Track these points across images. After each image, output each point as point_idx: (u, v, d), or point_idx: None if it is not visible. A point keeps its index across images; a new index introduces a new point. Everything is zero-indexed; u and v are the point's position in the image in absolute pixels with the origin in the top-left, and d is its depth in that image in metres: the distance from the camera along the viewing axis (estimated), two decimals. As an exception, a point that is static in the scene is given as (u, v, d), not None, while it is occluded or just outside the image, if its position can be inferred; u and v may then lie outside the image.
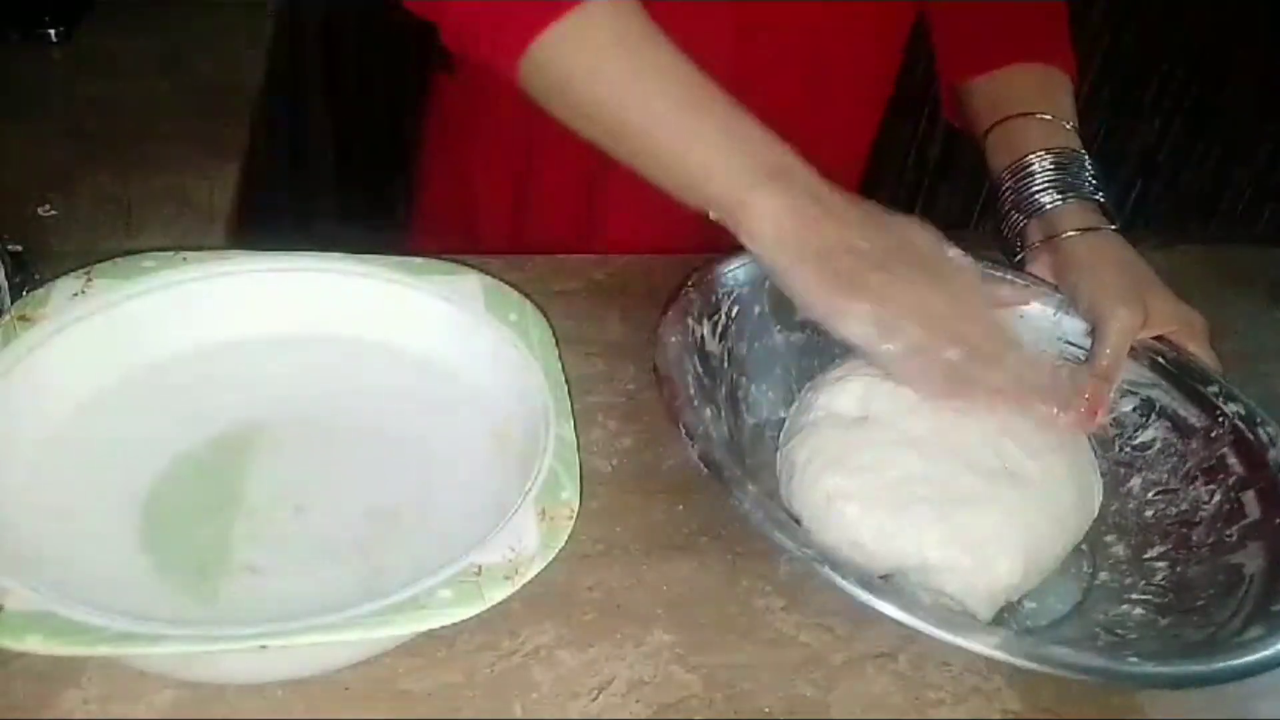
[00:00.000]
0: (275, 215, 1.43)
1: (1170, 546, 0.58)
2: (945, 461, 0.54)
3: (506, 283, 0.59)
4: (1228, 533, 0.56)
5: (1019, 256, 0.70)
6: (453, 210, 0.91)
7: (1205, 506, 0.58)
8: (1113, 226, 0.67)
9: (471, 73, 0.84)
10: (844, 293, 0.56)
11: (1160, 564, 0.57)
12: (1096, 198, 0.68)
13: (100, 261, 0.56)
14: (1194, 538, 0.57)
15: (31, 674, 0.45)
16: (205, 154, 0.81)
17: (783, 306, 0.62)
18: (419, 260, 0.59)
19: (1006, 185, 0.71)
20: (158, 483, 0.51)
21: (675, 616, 0.52)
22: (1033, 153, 0.69)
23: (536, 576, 0.44)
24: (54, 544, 0.47)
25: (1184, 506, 0.59)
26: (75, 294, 0.54)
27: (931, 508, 0.53)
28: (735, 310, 0.63)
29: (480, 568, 0.43)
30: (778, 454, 0.59)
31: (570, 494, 0.47)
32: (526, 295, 0.59)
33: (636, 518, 0.56)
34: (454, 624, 0.42)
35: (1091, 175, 0.69)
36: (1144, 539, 0.59)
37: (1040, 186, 0.69)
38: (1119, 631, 0.54)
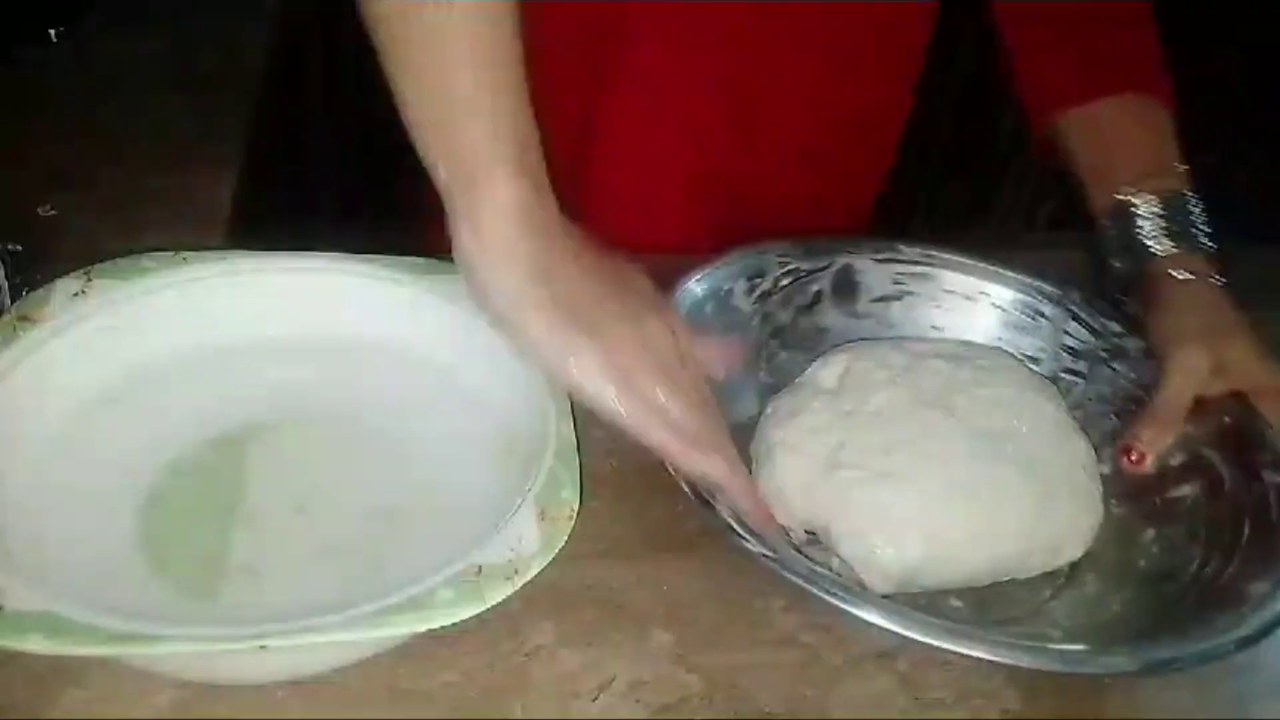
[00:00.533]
0: (275, 215, 1.43)
1: (1139, 594, 0.56)
2: (892, 440, 0.56)
3: (506, 283, 0.59)
4: (1195, 592, 0.54)
5: (1119, 300, 0.67)
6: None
7: (1193, 565, 0.55)
8: (1214, 278, 0.64)
9: None
10: (578, 337, 0.50)
11: (1115, 607, 0.55)
12: (1201, 244, 0.65)
13: (100, 261, 0.56)
14: (1165, 590, 0.55)
15: (31, 674, 0.45)
16: (205, 154, 0.81)
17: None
18: (419, 260, 0.59)
19: (1109, 230, 0.68)
20: (158, 483, 0.51)
21: (675, 616, 0.52)
22: (1136, 194, 0.66)
23: (536, 576, 0.44)
24: (54, 544, 0.47)
25: (1176, 561, 0.56)
26: (75, 294, 0.54)
27: (855, 477, 0.55)
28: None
29: (480, 568, 0.43)
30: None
31: (570, 494, 0.47)
32: (526, 295, 0.59)
33: (636, 518, 0.56)
34: (454, 624, 0.42)
35: (1199, 219, 0.66)
36: (1118, 584, 0.57)
37: (1145, 232, 0.66)
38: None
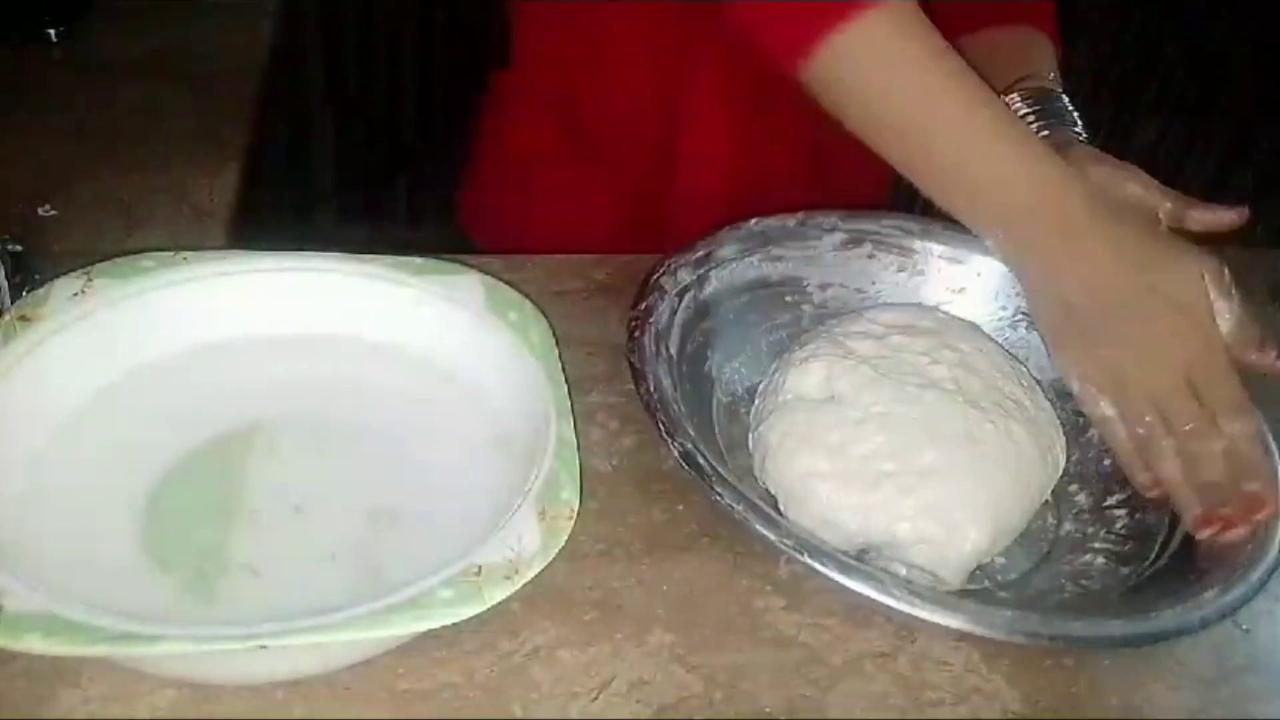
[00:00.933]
0: (275, 215, 1.43)
1: (1130, 494, 0.59)
2: (910, 435, 0.56)
3: (506, 283, 0.59)
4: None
5: None
6: (507, 203, 0.91)
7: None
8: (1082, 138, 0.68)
9: (530, 68, 0.84)
10: (1077, 347, 0.58)
11: (1120, 511, 0.60)
12: (1073, 130, 0.68)
13: (100, 261, 0.56)
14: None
15: (31, 674, 0.45)
16: (205, 154, 0.81)
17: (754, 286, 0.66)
18: (419, 260, 0.59)
19: None
20: (158, 483, 0.51)
21: (675, 616, 0.52)
22: (1006, 95, 0.69)
23: (536, 576, 0.44)
24: (54, 544, 0.47)
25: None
26: (75, 294, 0.54)
27: (900, 483, 0.54)
28: (707, 288, 0.64)
29: (480, 568, 0.43)
30: (750, 434, 0.60)
31: (570, 494, 0.47)
32: (526, 295, 0.59)
33: (636, 518, 0.56)
34: (454, 624, 0.42)
35: (1068, 111, 0.69)
36: (1104, 486, 0.61)
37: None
38: (1083, 582, 0.57)
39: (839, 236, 0.69)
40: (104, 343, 0.54)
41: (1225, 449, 0.56)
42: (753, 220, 0.67)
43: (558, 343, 0.56)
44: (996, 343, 0.63)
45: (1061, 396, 0.63)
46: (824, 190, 0.70)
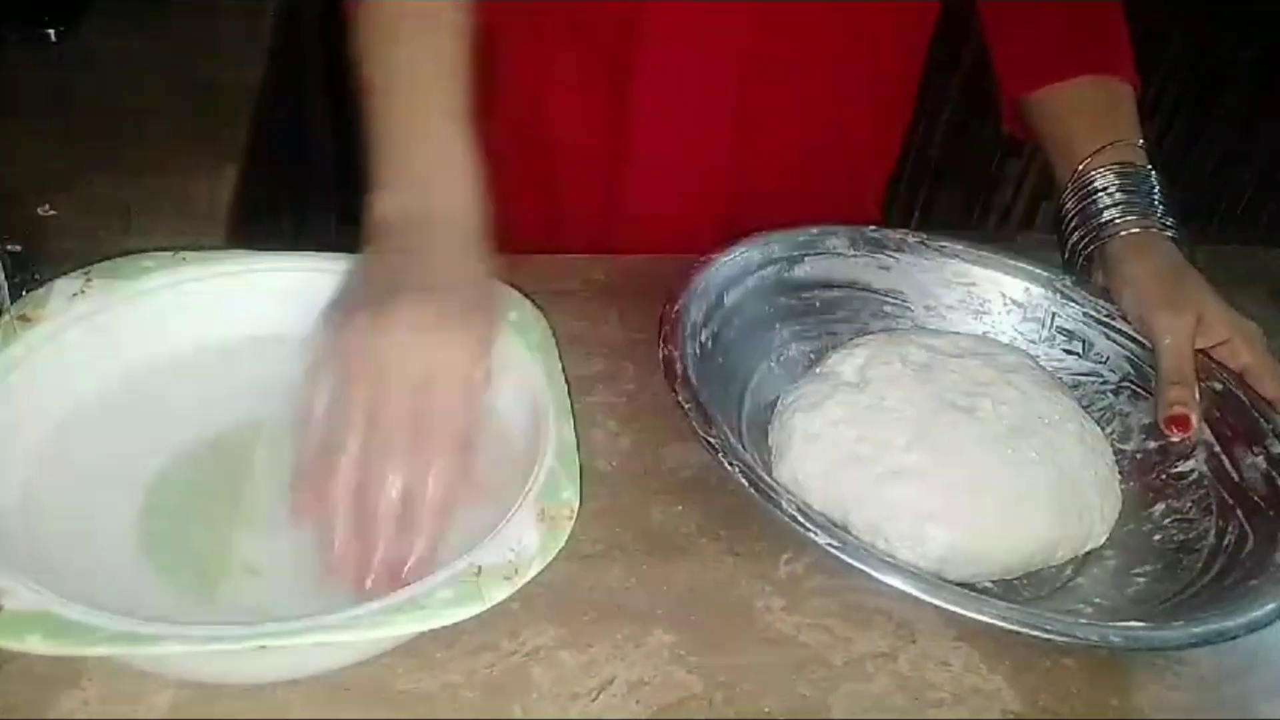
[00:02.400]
0: (275, 215, 1.43)
1: (1160, 566, 0.57)
2: (912, 437, 0.56)
3: (506, 283, 0.59)
4: (1216, 564, 0.55)
5: (1078, 274, 0.70)
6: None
7: (1209, 538, 0.57)
8: (1169, 239, 0.67)
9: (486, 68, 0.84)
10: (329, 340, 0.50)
11: (1140, 579, 0.57)
12: (1155, 213, 0.67)
13: (100, 261, 0.56)
14: (1186, 562, 0.56)
15: (31, 674, 0.45)
16: (205, 154, 0.81)
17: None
18: (419, 260, 0.59)
19: (1069, 204, 0.70)
20: (157, 483, 0.51)
21: (675, 616, 0.52)
22: (1096, 169, 0.69)
23: (536, 577, 0.44)
24: (54, 544, 0.47)
25: (1190, 535, 0.58)
26: (75, 294, 0.54)
27: (874, 472, 0.55)
28: (736, 300, 0.64)
29: (480, 568, 0.43)
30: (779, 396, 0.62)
31: (570, 494, 0.47)
32: (526, 295, 0.59)
33: (636, 518, 0.56)
34: (454, 624, 0.42)
35: (1156, 191, 0.68)
36: (1139, 558, 0.58)
37: (1103, 204, 0.68)
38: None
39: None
40: (104, 343, 0.54)
41: None
42: (869, 227, 0.68)
43: (558, 343, 0.56)
44: (1077, 404, 0.62)
45: (1142, 468, 0.62)
46: (806, 211, 0.70)
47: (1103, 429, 0.62)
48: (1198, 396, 0.61)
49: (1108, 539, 0.58)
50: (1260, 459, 0.58)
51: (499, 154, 0.84)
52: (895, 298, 0.69)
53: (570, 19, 0.75)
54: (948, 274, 0.69)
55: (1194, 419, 0.60)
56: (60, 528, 0.48)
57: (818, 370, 0.62)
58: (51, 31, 0.94)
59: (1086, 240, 0.69)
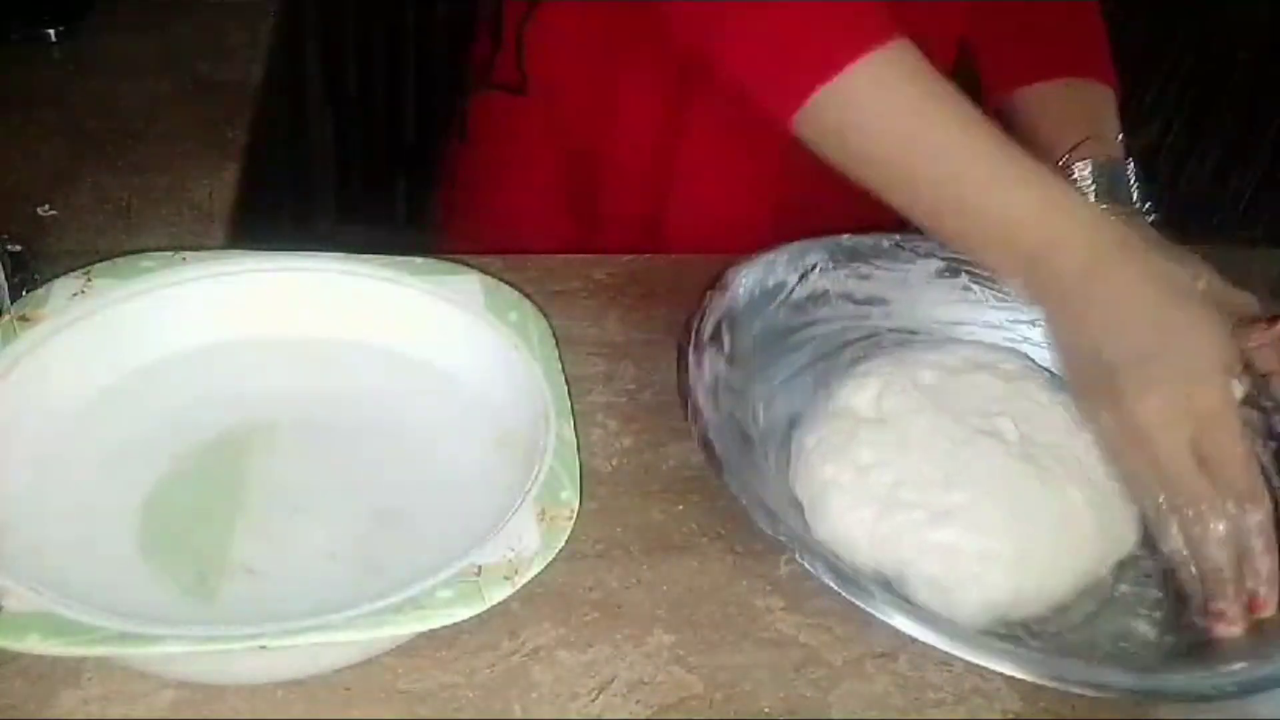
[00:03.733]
0: (275, 215, 1.43)
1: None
2: (944, 472, 0.54)
3: (506, 283, 0.59)
4: None
5: None
6: (499, 220, 0.90)
7: None
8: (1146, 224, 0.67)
9: (539, 93, 0.84)
10: (1093, 397, 0.55)
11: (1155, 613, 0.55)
12: (1133, 204, 0.67)
13: (99, 261, 0.56)
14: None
15: (31, 674, 0.45)
16: (205, 154, 0.81)
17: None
18: (419, 260, 0.59)
19: None
20: (157, 483, 0.51)
21: (675, 616, 0.52)
22: (1071, 163, 0.68)
23: (536, 576, 0.44)
24: (54, 544, 0.47)
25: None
26: (75, 294, 0.54)
27: (914, 516, 0.53)
28: (754, 316, 0.64)
29: (480, 568, 0.43)
30: (792, 436, 0.59)
31: (570, 494, 0.47)
32: (526, 295, 0.59)
33: (636, 518, 0.56)
34: (454, 624, 0.42)
35: (1132, 182, 0.68)
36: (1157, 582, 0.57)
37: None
38: (1121, 644, 0.54)
39: (935, 264, 0.69)
40: (104, 343, 0.54)
41: (1229, 534, 0.52)
42: (844, 236, 0.68)
43: (558, 343, 0.56)
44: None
45: None
46: (848, 219, 0.70)
47: None
48: None
49: (1142, 542, 0.57)
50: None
51: (548, 152, 0.85)
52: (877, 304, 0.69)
53: (638, 24, 0.75)
54: (930, 272, 0.69)
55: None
56: (60, 528, 0.48)
57: (830, 406, 0.59)
58: (51, 31, 0.94)
59: None
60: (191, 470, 0.52)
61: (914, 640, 0.51)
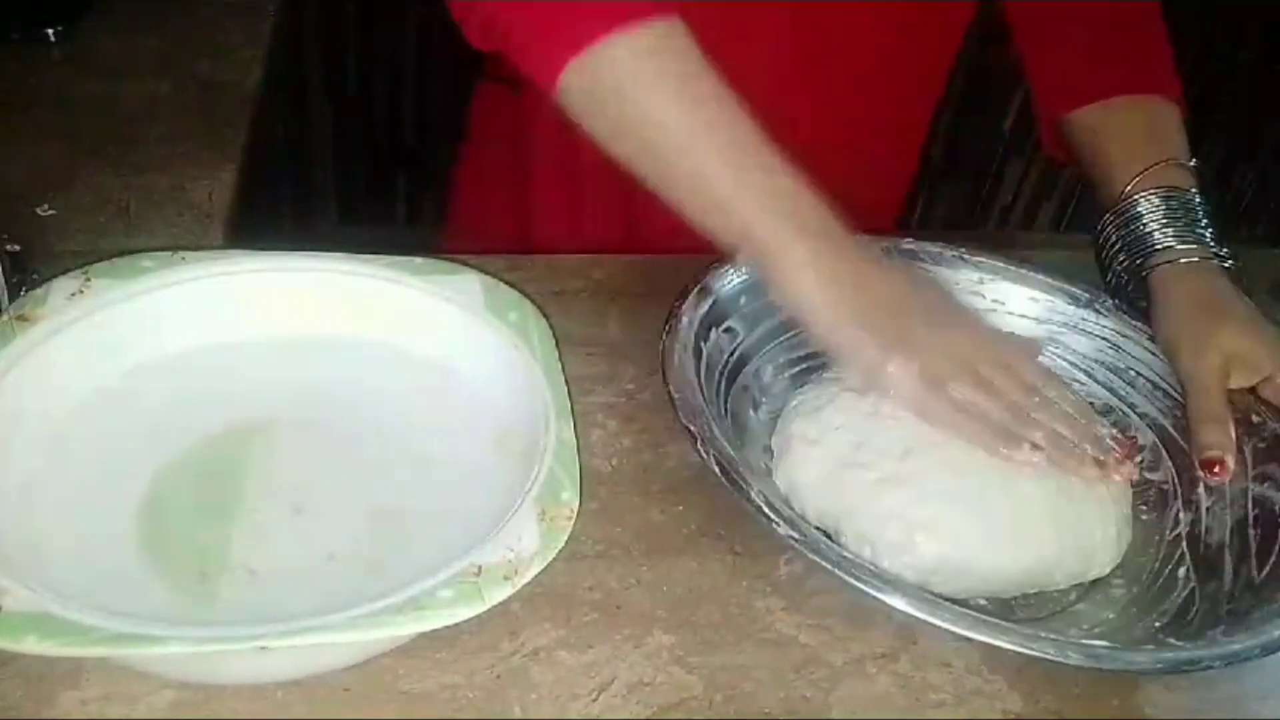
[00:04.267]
0: (275, 215, 1.43)
1: (1178, 601, 0.55)
2: (910, 445, 0.56)
3: (506, 283, 0.59)
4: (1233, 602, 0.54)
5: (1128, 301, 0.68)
6: (501, 211, 0.90)
7: (1226, 575, 0.56)
8: (1218, 266, 0.64)
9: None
10: (887, 352, 0.56)
11: (1149, 615, 0.55)
12: (1203, 238, 0.65)
13: (99, 261, 0.56)
14: (1199, 598, 0.55)
15: (30, 674, 0.45)
16: (205, 154, 0.81)
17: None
18: (419, 260, 0.59)
19: (1110, 230, 0.68)
20: (157, 483, 0.51)
21: (675, 617, 0.52)
22: (1140, 194, 0.66)
23: (536, 577, 0.44)
24: (53, 544, 0.47)
25: (1213, 572, 0.56)
26: (74, 294, 0.54)
27: (867, 477, 0.55)
28: (745, 307, 0.64)
29: (480, 568, 0.43)
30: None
31: (570, 494, 0.47)
32: (526, 295, 0.59)
33: (636, 518, 0.56)
34: (454, 624, 0.42)
35: (1202, 215, 0.66)
36: (1151, 592, 0.56)
37: (1145, 229, 0.66)
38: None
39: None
40: (103, 343, 0.54)
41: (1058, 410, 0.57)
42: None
43: (558, 343, 0.56)
44: (1101, 427, 0.60)
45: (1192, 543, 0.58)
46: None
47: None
48: (1233, 436, 0.59)
49: (1119, 569, 0.57)
50: None
51: (528, 149, 0.85)
52: None
53: None
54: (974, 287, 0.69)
55: (1230, 461, 0.58)
56: (59, 527, 0.48)
57: (825, 375, 0.62)
58: (51, 31, 0.94)
59: (1130, 270, 0.67)
60: (191, 470, 0.52)
61: (915, 641, 0.52)
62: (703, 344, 0.60)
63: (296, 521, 0.51)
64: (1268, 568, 0.54)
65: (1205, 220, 0.66)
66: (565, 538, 0.45)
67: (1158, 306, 0.64)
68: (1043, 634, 0.48)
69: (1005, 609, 0.55)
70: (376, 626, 0.41)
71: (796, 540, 0.49)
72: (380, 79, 2.03)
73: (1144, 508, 0.60)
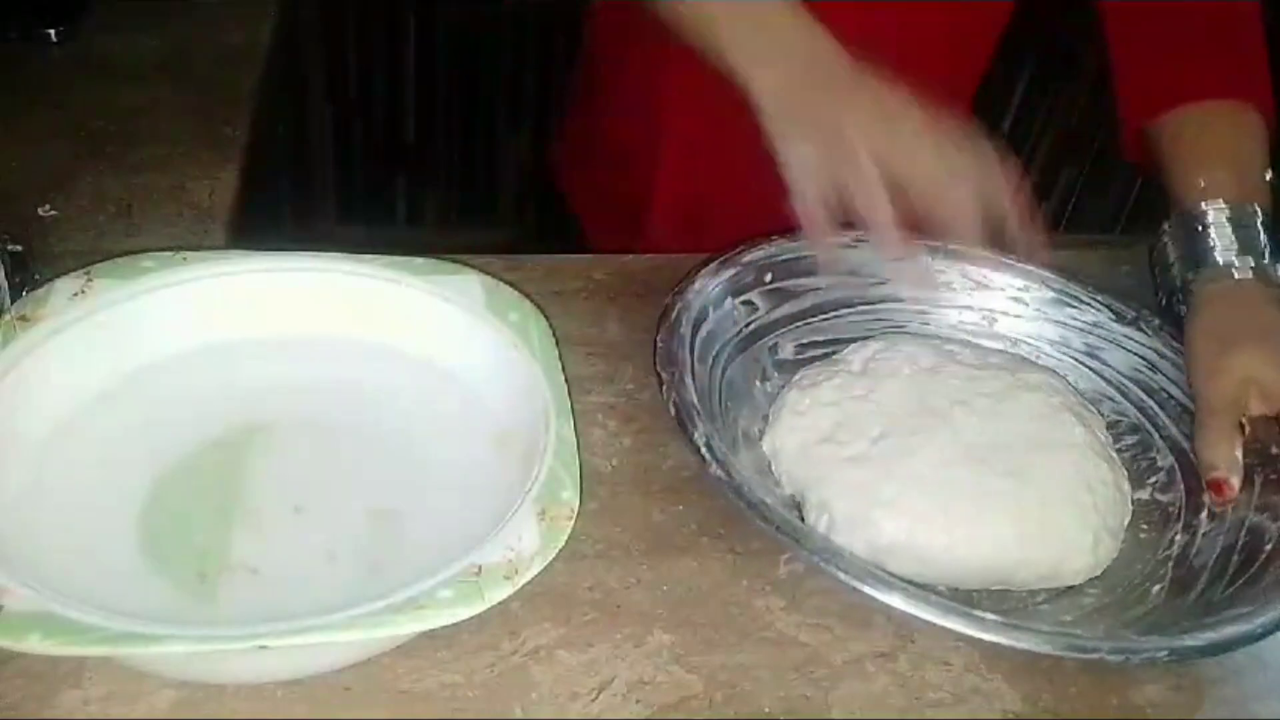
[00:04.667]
0: (275, 215, 1.43)
1: (1140, 612, 0.55)
2: (886, 430, 0.57)
3: (506, 283, 0.59)
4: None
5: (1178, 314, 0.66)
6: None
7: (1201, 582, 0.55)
8: (1268, 287, 0.63)
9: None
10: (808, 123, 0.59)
11: (1110, 615, 0.55)
12: (1260, 258, 0.63)
13: (100, 261, 0.56)
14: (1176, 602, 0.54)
15: (31, 674, 0.45)
16: (205, 154, 0.81)
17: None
18: (419, 260, 0.59)
19: (1166, 235, 0.67)
20: (157, 483, 0.51)
21: (675, 616, 0.52)
22: (1200, 204, 0.65)
23: (536, 576, 0.44)
24: (54, 544, 0.47)
25: (1174, 603, 0.55)
26: (75, 294, 0.54)
27: (840, 453, 0.57)
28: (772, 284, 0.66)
29: (480, 568, 0.43)
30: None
31: (570, 494, 0.47)
32: (526, 295, 0.59)
33: (636, 518, 0.56)
34: (454, 624, 0.42)
35: (1261, 231, 0.64)
36: (1126, 607, 0.55)
37: (1196, 241, 0.64)
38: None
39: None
40: (104, 343, 0.54)
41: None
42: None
43: (558, 343, 0.56)
44: (1099, 432, 0.60)
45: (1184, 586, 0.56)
46: None
47: (1135, 470, 0.61)
48: (1239, 458, 0.58)
49: (1098, 580, 0.56)
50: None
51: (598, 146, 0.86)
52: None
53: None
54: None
55: (1235, 482, 0.57)
56: (60, 527, 0.48)
57: (835, 356, 0.64)
58: (51, 31, 0.94)
59: (1179, 282, 0.65)
60: (191, 470, 0.52)
61: (913, 640, 0.52)
62: (711, 309, 0.62)
63: (297, 521, 0.51)
64: (1233, 589, 0.53)
65: (1263, 238, 0.64)
66: (565, 537, 0.45)
67: (1190, 321, 0.63)
68: (1043, 630, 0.49)
69: (966, 601, 0.54)
70: (376, 626, 0.41)
71: (725, 481, 0.52)
72: (380, 79, 2.03)
73: (1145, 526, 0.59)
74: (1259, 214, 0.64)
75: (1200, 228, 0.65)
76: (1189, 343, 0.63)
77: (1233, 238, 0.64)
